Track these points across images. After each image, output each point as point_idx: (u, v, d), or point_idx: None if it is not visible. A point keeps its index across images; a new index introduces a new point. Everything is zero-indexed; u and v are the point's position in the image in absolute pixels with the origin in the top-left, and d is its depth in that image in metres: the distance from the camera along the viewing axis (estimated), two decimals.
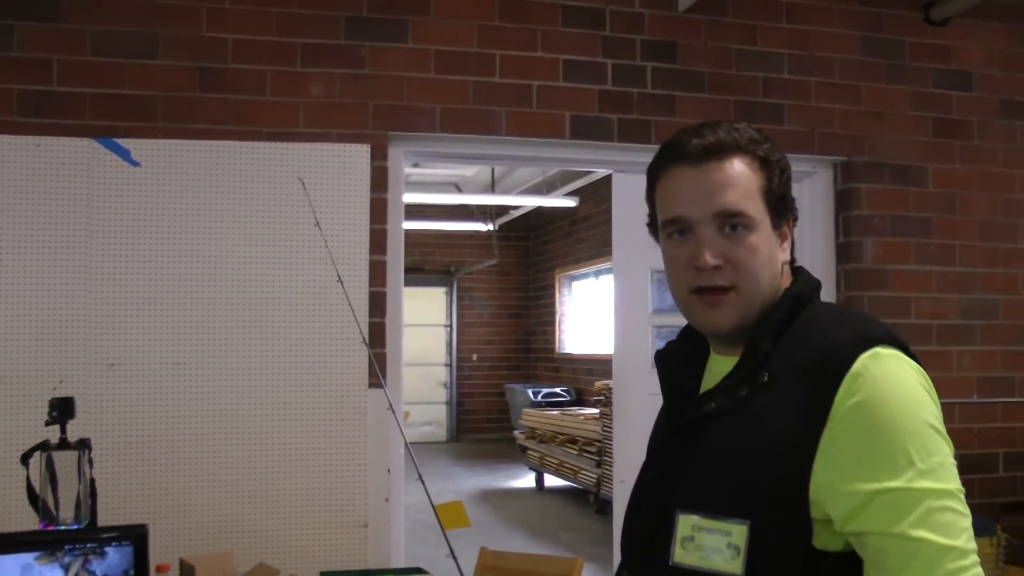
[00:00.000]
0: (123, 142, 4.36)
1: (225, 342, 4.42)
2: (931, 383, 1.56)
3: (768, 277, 1.71)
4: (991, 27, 5.70)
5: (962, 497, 1.46)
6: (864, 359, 1.52)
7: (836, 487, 1.49)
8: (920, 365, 1.58)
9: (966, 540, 1.43)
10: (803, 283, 1.76)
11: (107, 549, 2.73)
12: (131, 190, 4.36)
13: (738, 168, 1.70)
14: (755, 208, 1.70)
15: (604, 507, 9.74)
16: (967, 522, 1.45)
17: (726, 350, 1.77)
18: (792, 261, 1.81)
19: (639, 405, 5.24)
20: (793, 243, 1.80)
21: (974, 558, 1.43)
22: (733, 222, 1.69)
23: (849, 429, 1.49)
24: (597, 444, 10.00)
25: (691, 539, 1.60)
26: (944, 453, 1.48)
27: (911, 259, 5.43)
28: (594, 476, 10.03)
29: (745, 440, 1.60)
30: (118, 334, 4.32)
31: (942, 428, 1.50)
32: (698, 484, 1.65)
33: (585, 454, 10.30)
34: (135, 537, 2.76)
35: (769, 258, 1.71)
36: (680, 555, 1.61)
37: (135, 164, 4.36)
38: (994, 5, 5.66)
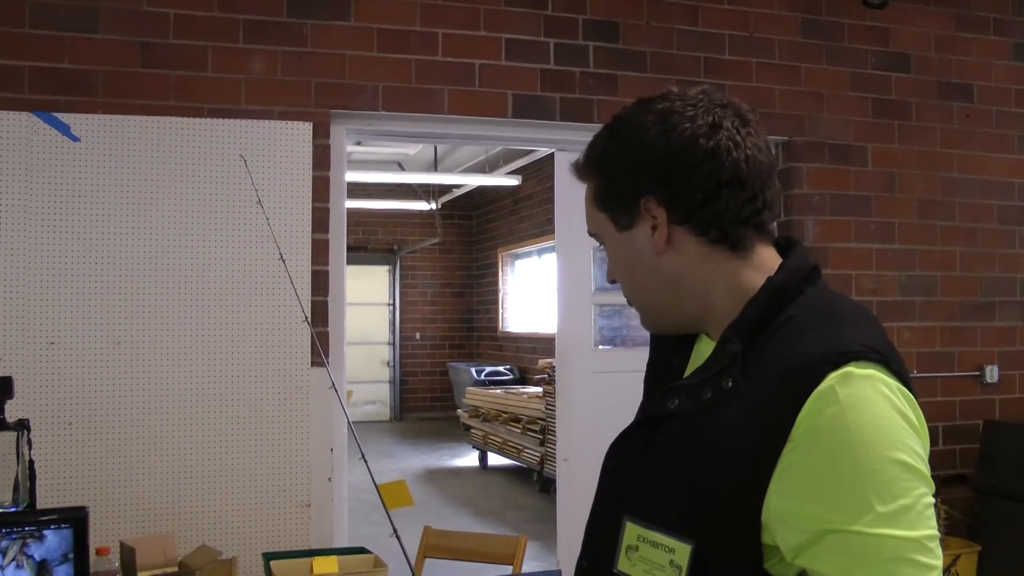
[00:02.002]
0: (63, 117, 4.30)
1: (166, 321, 4.38)
2: (915, 406, 1.38)
3: (641, 283, 1.62)
4: (928, 11, 5.81)
5: (932, 545, 1.30)
6: (834, 378, 1.34)
7: (787, 517, 1.35)
8: (907, 382, 1.40)
9: None
10: (789, 271, 1.52)
11: (46, 532, 2.70)
12: (71, 166, 4.30)
13: (587, 187, 1.66)
14: (595, 221, 1.65)
15: (547, 485, 9.76)
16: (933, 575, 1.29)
17: (712, 335, 1.60)
18: (782, 240, 1.60)
19: (582, 383, 5.27)
20: (712, 215, 1.51)
21: None
22: (597, 241, 1.67)
23: (807, 456, 1.33)
24: (540, 422, 10.03)
25: (635, 549, 1.50)
26: (916, 494, 1.31)
27: (851, 237, 5.53)
28: (538, 454, 10.05)
29: (699, 450, 1.45)
30: (57, 312, 4.26)
31: (918, 463, 1.33)
32: (648, 489, 1.54)
33: (528, 432, 10.31)
34: (75, 520, 2.74)
35: (627, 264, 1.62)
36: (624, 564, 1.52)
37: (75, 139, 4.30)
38: None
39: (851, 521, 1.29)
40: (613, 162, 1.58)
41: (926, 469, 1.34)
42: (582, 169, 1.65)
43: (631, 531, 1.51)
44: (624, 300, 1.69)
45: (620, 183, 1.57)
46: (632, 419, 1.67)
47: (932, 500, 1.34)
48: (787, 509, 1.35)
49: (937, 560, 1.30)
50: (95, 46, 4.40)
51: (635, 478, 1.57)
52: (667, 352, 1.71)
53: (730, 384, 1.45)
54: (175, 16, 4.49)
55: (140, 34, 4.45)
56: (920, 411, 1.39)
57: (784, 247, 1.59)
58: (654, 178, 1.53)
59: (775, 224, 1.57)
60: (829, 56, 5.57)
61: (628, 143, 1.56)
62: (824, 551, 1.31)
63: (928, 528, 1.31)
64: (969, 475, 5.64)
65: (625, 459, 1.61)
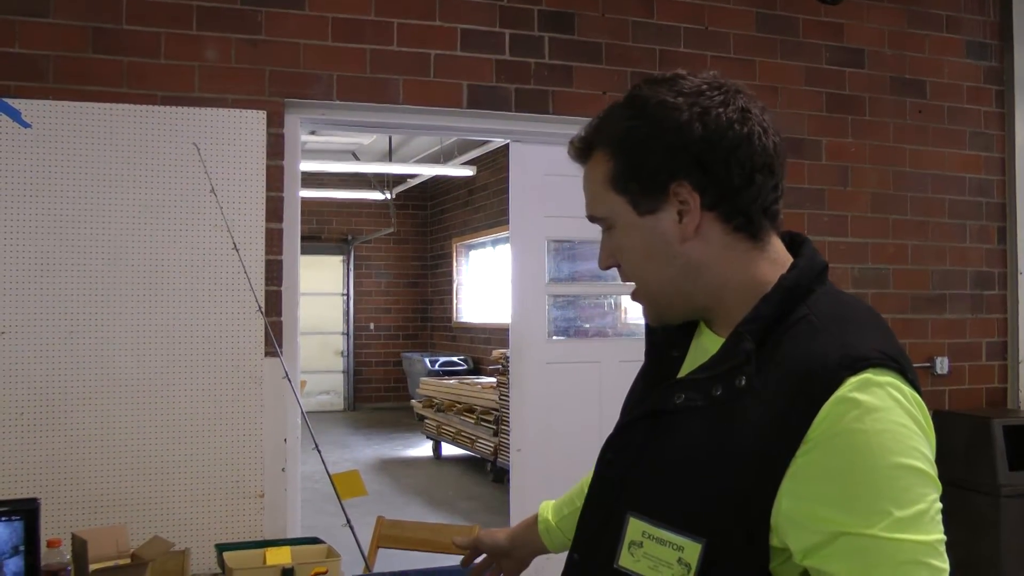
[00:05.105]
0: (14, 102, 4.24)
1: (119, 310, 4.34)
2: (925, 412, 1.39)
3: (655, 271, 1.56)
4: (881, 7, 5.88)
5: (942, 549, 1.32)
6: (852, 384, 1.34)
7: (799, 518, 1.34)
8: (917, 386, 1.41)
9: None
10: (801, 270, 1.52)
11: None
12: (22, 153, 4.24)
13: (593, 166, 1.58)
14: (607, 205, 1.56)
15: (501, 476, 9.79)
16: None
17: (716, 327, 1.58)
18: (787, 236, 1.62)
19: (536, 374, 5.28)
20: (744, 201, 1.50)
21: None
22: (602, 225, 1.60)
23: (823, 460, 1.33)
24: (494, 413, 10.05)
25: (639, 545, 1.48)
26: (929, 500, 1.33)
27: (804, 230, 5.52)
28: (491, 445, 10.07)
29: (710, 448, 1.43)
30: (8, 301, 4.21)
31: (930, 469, 1.35)
32: (654, 485, 1.51)
33: (482, 423, 10.33)
34: (26, 512, 2.71)
35: (642, 250, 1.55)
36: (626, 560, 1.49)
37: (26, 125, 4.25)
38: None
39: (868, 525, 1.29)
40: (641, 143, 1.52)
41: (935, 474, 1.36)
42: (589, 149, 1.59)
43: (635, 527, 1.49)
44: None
45: (650, 165, 1.51)
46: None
47: (940, 505, 1.35)
48: (800, 510, 1.35)
49: (946, 564, 1.31)
50: (47, 31, 4.34)
51: (636, 472, 1.55)
52: (664, 343, 1.69)
53: (744, 382, 1.43)
54: (128, 1, 4.44)
55: (92, 19, 4.39)
56: (929, 416, 1.40)
57: (790, 243, 1.59)
58: (690, 162, 1.48)
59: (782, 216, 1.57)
60: (784, 50, 5.61)
61: (661, 124, 1.50)
62: (838, 553, 1.31)
63: (939, 533, 1.33)
64: None
65: (624, 452, 1.59)
